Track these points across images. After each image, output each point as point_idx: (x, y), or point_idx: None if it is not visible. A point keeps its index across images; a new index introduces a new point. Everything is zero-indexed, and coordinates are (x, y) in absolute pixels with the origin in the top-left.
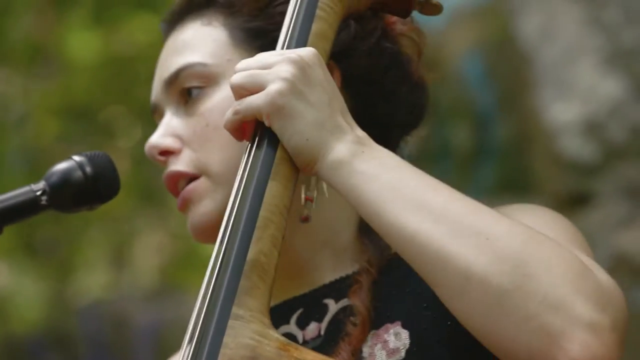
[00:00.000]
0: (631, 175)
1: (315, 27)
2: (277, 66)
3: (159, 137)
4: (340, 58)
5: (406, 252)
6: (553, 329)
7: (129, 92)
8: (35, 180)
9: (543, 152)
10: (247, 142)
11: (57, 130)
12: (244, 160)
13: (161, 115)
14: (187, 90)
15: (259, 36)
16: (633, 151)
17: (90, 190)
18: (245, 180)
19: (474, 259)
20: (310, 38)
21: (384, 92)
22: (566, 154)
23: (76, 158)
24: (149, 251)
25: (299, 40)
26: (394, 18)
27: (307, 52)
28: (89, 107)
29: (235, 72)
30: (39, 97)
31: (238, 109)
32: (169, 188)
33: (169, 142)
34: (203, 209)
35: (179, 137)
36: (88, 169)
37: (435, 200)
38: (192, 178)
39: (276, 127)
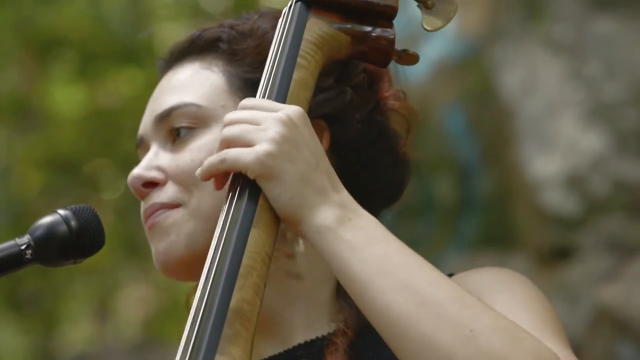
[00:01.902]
0: (613, 229)
1: (296, 75)
2: (266, 124)
3: (143, 169)
4: (332, 121)
5: (387, 331)
6: None
7: (113, 145)
8: (19, 232)
9: (525, 206)
10: (228, 188)
11: (41, 183)
12: (225, 207)
13: (146, 149)
14: (177, 129)
15: (256, 87)
16: (615, 205)
17: (75, 244)
18: (228, 227)
19: (457, 351)
20: (292, 86)
21: (368, 162)
22: (548, 208)
23: (61, 212)
24: (133, 304)
25: (281, 88)
26: (388, 92)
27: (295, 112)
28: (73, 160)
29: (225, 123)
30: (23, 149)
31: (225, 158)
32: (146, 220)
33: (154, 174)
34: (172, 237)
35: (163, 170)
36: (73, 223)
37: (421, 281)
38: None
39: (262, 185)
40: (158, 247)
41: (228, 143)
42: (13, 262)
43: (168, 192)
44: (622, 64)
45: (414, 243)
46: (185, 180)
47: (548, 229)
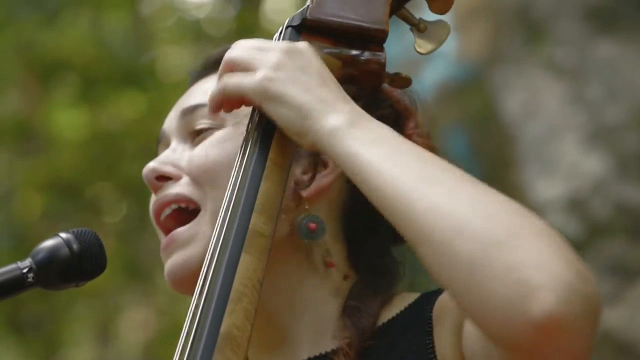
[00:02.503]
0: (615, 252)
1: None
2: (271, 52)
3: (159, 163)
4: None
5: (397, 205)
6: (533, 281)
7: (115, 169)
8: (20, 256)
9: None
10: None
11: (43, 206)
12: (216, 231)
13: (166, 145)
14: (198, 132)
15: None
16: (617, 228)
17: (77, 268)
18: (219, 252)
19: (470, 216)
20: None
21: None
22: None
23: (63, 235)
24: (134, 327)
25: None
26: (412, 130)
27: (301, 43)
28: (74, 183)
29: (232, 47)
30: (24, 173)
31: (225, 84)
32: (156, 212)
33: (169, 169)
34: (192, 249)
35: (178, 167)
36: (75, 246)
37: (434, 167)
38: (181, 210)
39: (265, 108)
40: (173, 261)
41: (230, 66)
42: (15, 285)
43: (182, 185)
44: (623, 87)
45: (416, 268)
46: (200, 176)
47: None
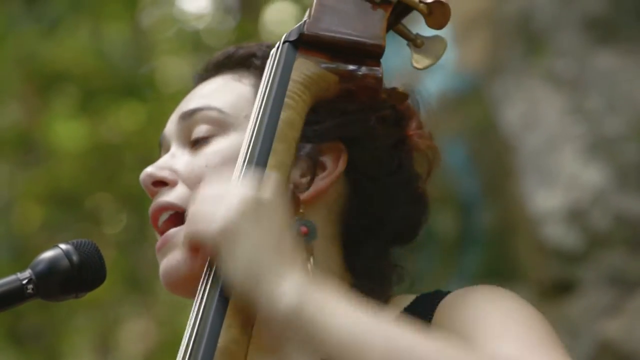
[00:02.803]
0: (615, 264)
1: (284, 115)
2: (225, 201)
3: (157, 168)
4: (351, 144)
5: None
6: None
7: (115, 180)
8: (20, 267)
9: (527, 240)
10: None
11: (43, 218)
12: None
13: (166, 149)
14: (195, 140)
15: None
16: (616, 239)
17: (77, 279)
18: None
19: None
20: (280, 125)
21: (382, 192)
22: (550, 242)
23: (62, 246)
24: (134, 338)
25: (268, 127)
26: (414, 131)
27: (255, 189)
28: (74, 194)
29: (195, 199)
30: (24, 184)
31: (187, 232)
32: (152, 217)
33: (165, 174)
34: (179, 256)
35: (176, 172)
36: (75, 258)
37: (397, 337)
38: (177, 215)
39: (220, 261)
40: (166, 265)
41: (194, 218)
42: (15, 296)
43: (177, 192)
44: (622, 98)
45: (415, 278)
46: (196, 185)
47: (549, 263)
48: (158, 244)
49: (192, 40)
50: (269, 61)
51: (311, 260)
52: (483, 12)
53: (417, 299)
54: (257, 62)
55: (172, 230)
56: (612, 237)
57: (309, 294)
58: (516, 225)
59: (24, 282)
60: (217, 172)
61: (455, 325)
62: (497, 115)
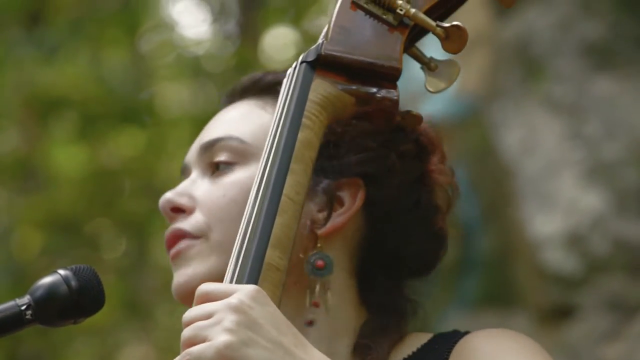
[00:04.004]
0: (614, 289)
1: (301, 135)
2: (219, 314)
3: (176, 194)
4: (369, 181)
5: None
6: None
7: (114, 205)
8: (20, 292)
9: (526, 265)
10: (241, 232)
11: (42, 243)
12: (231, 264)
13: (188, 176)
14: (217, 164)
15: None
16: (616, 264)
17: (76, 305)
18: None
19: None
20: (297, 146)
21: (399, 229)
22: (549, 267)
23: (61, 272)
24: None
25: (286, 148)
26: (435, 166)
27: (247, 292)
28: (73, 220)
29: (183, 324)
30: (24, 210)
31: (190, 357)
32: (167, 244)
33: (184, 201)
34: (191, 270)
35: (194, 198)
36: (73, 283)
37: None
38: (192, 239)
39: None
40: (179, 278)
41: (189, 344)
42: (13, 322)
43: (192, 221)
44: (621, 124)
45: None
46: (213, 214)
47: (549, 288)
48: (173, 253)
49: (191, 66)
50: (285, 81)
51: (328, 294)
52: (482, 38)
53: (434, 337)
54: None
55: (187, 243)
56: (611, 262)
57: None
58: (515, 249)
59: (23, 308)
60: (233, 202)
61: None
62: (496, 140)
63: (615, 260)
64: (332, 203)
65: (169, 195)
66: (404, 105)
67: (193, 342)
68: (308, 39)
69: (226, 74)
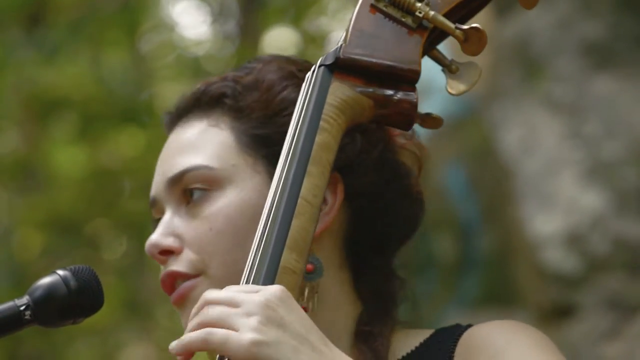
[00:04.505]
0: (614, 287)
1: (319, 138)
2: (247, 307)
3: (160, 236)
4: (345, 172)
5: None
6: None
7: (114, 206)
8: (20, 293)
9: (526, 264)
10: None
11: (42, 244)
12: (248, 267)
13: (160, 211)
14: (190, 191)
15: (265, 144)
16: (615, 263)
17: (75, 305)
18: None
19: None
20: (315, 149)
21: (384, 206)
22: (549, 266)
23: (60, 272)
24: None
25: (303, 151)
26: (397, 131)
27: (274, 292)
28: (73, 220)
29: (203, 301)
30: (24, 210)
31: (209, 339)
32: (165, 287)
33: (170, 242)
34: None
35: (180, 237)
36: (72, 284)
37: None
38: (190, 278)
39: None
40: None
41: (209, 324)
42: (12, 323)
43: (185, 261)
44: (621, 123)
45: (414, 300)
46: (204, 249)
47: (548, 288)
48: (175, 297)
49: (191, 66)
50: (304, 85)
51: (315, 298)
52: None
53: (435, 332)
54: (229, 101)
55: (189, 284)
56: (611, 261)
57: None
58: (515, 249)
59: (22, 308)
60: (222, 233)
61: None
62: (496, 140)
63: (615, 260)
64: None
65: (154, 238)
66: None
67: (217, 324)
68: (308, 39)
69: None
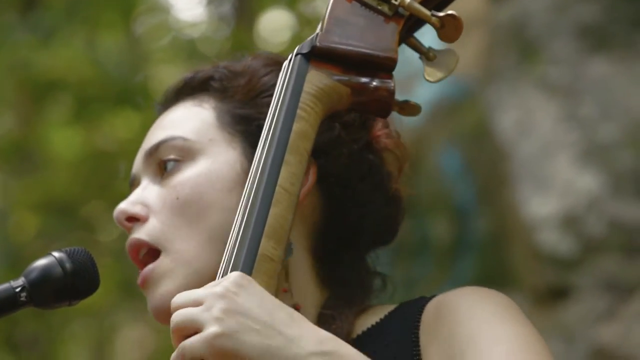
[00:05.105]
0: (610, 270)
1: (296, 127)
2: (208, 302)
3: (128, 204)
4: (319, 154)
5: None
6: None
7: (109, 188)
8: (15, 275)
9: (521, 246)
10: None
11: (38, 226)
12: (226, 255)
13: (138, 187)
14: (164, 162)
15: (244, 122)
16: (611, 245)
17: (70, 287)
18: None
19: None
20: (292, 137)
21: (356, 198)
22: (544, 248)
23: (56, 254)
24: (130, 345)
25: (280, 139)
26: (380, 131)
27: (233, 279)
28: (69, 202)
29: (171, 308)
30: (19, 192)
31: (183, 354)
32: (130, 255)
33: (137, 210)
34: (162, 289)
35: (147, 205)
36: (68, 265)
37: None
38: (151, 250)
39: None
40: (153, 300)
41: (180, 332)
42: (8, 304)
43: (148, 229)
44: (616, 105)
45: (410, 283)
46: (170, 219)
47: (544, 270)
48: (140, 280)
49: (186, 48)
50: (281, 73)
51: (289, 277)
52: (477, 20)
53: (399, 305)
54: (216, 84)
55: (150, 267)
56: (606, 243)
57: (331, 351)
58: (511, 231)
59: (17, 290)
60: (188, 203)
61: (449, 338)
62: (492, 122)
63: (610, 242)
64: None
65: (122, 205)
66: (399, 88)
67: (184, 329)
68: (303, 21)
69: (221, 56)
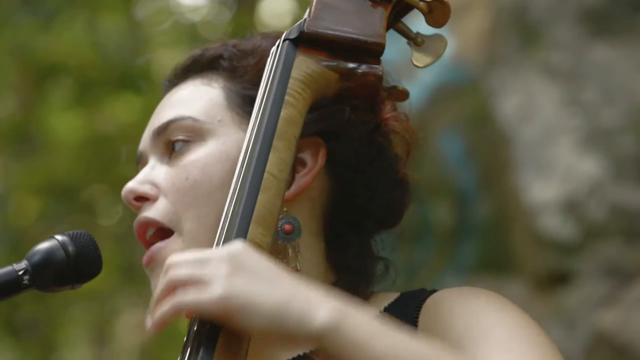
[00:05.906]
0: (611, 255)
1: (284, 112)
2: (211, 264)
3: (137, 183)
4: (328, 138)
5: None
6: None
7: (111, 171)
8: (17, 259)
9: (523, 231)
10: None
11: (39, 209)
12: (215, 243)
13: (145, 165)
14: (172, 143)
15: (253, 103)
16: (613, 230)
17: (73, 270)
18: None
19: None
20: (280, 123)
21: (365, 182)
22: (546, 233)
23: (58, 237)
24: (131, 329)
25: (269, 125)
26: (389, 114)
27: (236, 246)
28: (70, 186)
29: (167, 265)
30: (20, 176)
31: (180, 304)
32: (137, 233)
33: (146, 189)
34: None
35: (156, 185)
36: (70, 249)
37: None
38: (162, 230)
39: (235, 321)
40: (157, 281)
41: (175, 285)
42: (10, 287)
43: (159, 209)
44: (619, 90)
45: (411, 268)
46: (179, 199)
47: (545, 255)
48: (145, 259)
49: (188, 32)
50: (269, 59)
51: (299, 257)
52: (479, 4)
53: (400, 296)
54: (225, 63)
55: (157, 245)
56: (608, 228)
57: (343, 312)
58: (512, 216)
59: (20, 273)
60: (198, 184)
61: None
62: (494, 107)
63: (612, 227)
64: (294, 165)
65: (130, 185)
66: (401, 73)
67: (186, 282)
68: (305, 5)
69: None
